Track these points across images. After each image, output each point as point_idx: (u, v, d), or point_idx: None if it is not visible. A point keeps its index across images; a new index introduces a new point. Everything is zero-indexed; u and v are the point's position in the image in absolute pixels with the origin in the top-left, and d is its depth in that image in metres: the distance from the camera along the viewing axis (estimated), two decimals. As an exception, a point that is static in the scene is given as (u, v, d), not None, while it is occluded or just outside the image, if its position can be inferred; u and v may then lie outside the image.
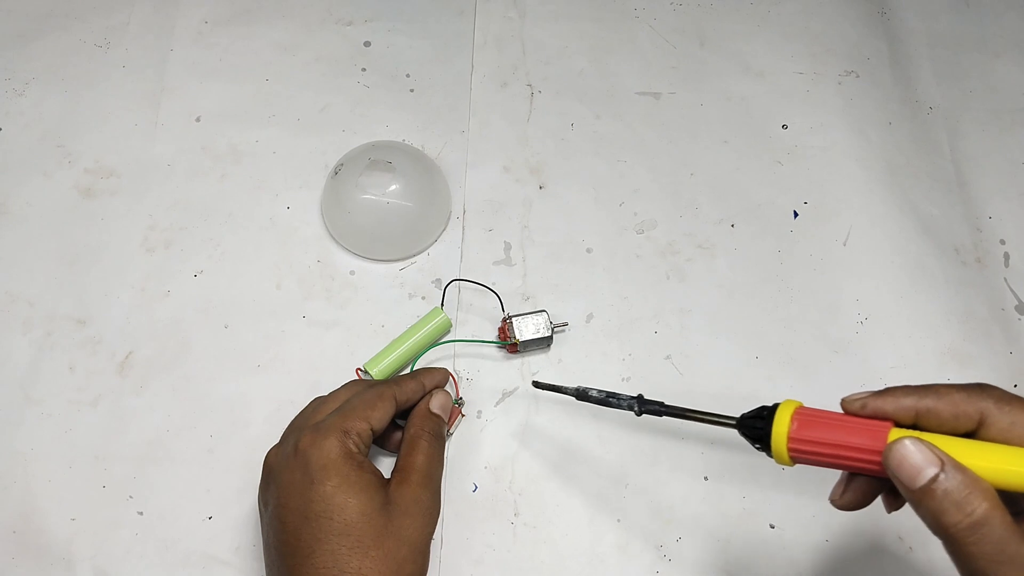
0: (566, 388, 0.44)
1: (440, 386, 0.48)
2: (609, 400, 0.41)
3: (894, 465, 0.30)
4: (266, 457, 0.42)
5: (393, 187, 0.52)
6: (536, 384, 0.46)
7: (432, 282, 0.54)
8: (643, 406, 0.40)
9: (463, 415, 0.50)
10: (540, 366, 0.52)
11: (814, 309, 0.54)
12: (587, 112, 0.60)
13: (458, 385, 0.51)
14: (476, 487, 0.49)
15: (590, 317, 0.54)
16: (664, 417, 0.40)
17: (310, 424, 0.41)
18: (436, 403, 0.46)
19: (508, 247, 0.56)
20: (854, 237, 0.56)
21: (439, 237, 0.56)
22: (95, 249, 0.55)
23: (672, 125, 0.60)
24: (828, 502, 0.35)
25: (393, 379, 0.46)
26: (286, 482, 0.39)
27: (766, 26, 0.64)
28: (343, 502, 0.38)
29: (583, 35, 0.64)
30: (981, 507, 0.28)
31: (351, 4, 0.64)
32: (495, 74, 0.62)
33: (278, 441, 0.43)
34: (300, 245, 0.55)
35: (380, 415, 0.42)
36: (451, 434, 0.50)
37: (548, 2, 0.65)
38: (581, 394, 0.43)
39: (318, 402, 0.44)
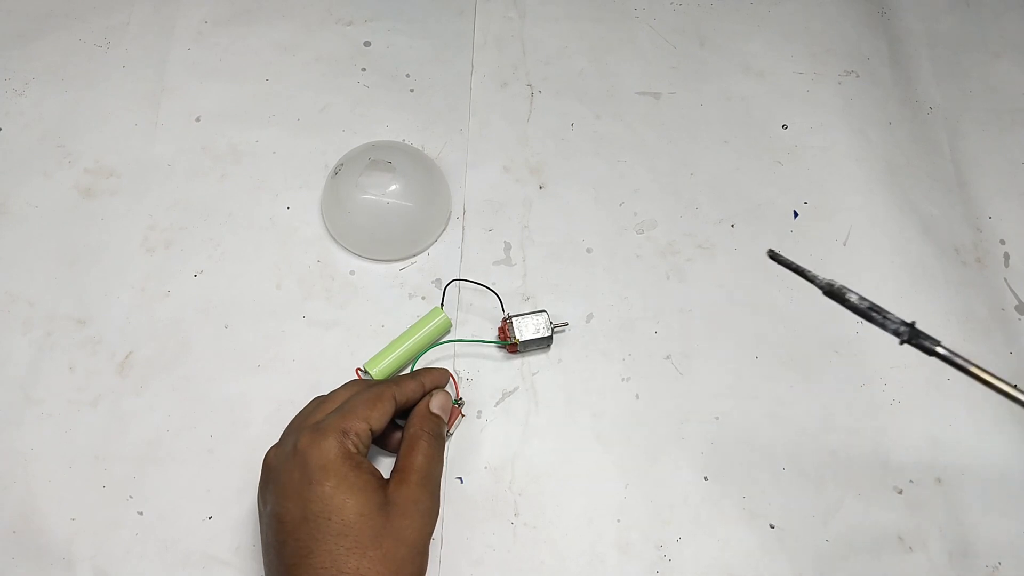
0: (816, 278, 0.35)
1: (440, 386, 0.48)
2: (871, 313, 0.33)
3: None
4: (265, 457, 0.42)
5: (393, 187, 0.52)
6: (774, 256, 0.37)
7: (432, 282, 0.54)
8: (914, 337, 0.33)
9: (463, 415, 0.50)
10: (540, 366, 0.52)
11: (814, 309, 0.54)
12: (587, 112, 0.60)
13: (458, 385, 0.51)
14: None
15: (590, 317, 0.54)
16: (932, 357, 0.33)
17: (309, 424, 0.41)
18: (436, 403, 0.46)
19: (508, 247, 0.56)
20: (854, 237, 0.56)
21: (439, 237, 0.56)
22: (95, 249, 0.55)
23: (672, 125, 0.60)
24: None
25: (393, 379, 0.46)
26: (285, 482, 0.39)
27: (766, 26, 0.64)
28: (341, 502, 0.38)
29: (583, 35, 0.64)
30: None
31: (351, 4, 0.64)
32: (495, 74, 0.62)
33: (277, 441, 0.43)
34: (300, 245, 0.55)
35: (379, 415, 0.42)
36: (451, 434, 0.50)
37: (548, 2, 0.65)
38: (834, 292, 0.34)
39: (318, 402, 0.44)
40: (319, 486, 0.38)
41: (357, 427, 0.40)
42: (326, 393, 0.45)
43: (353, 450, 0.40)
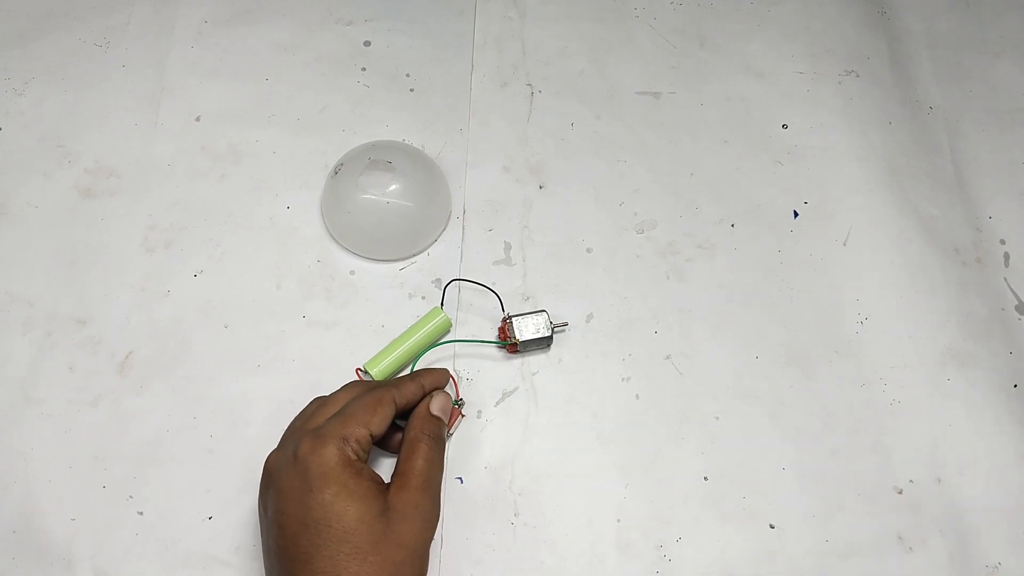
0: None
1: (440, 387, 0.48)
2: None
3: None
4: (266, 461, 0.42)
5: (393, 187, 0.52)
6: None
7: (432, 282, 0.54)
8: None
9: (463, 416, 0.50)
10: (540, 366, 0.52)
11: (814, 309, 0.54)
12: (587, 112, 0.60)
13: (458, 385, 0.51)
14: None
15: (590, 317, 0.54)
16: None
17: (309, 429, 0.41)
18: (436, 405, 0.46)
19: (508, 247, 0.56)
20: (854, 237, 0.56)
21: (439, 237, 0.56)
22: (95, 249, 0.55)
23: (672, 125, 0.60)
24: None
25: (392, 382, 0.46)
26: (285, 488, 0.39)
27: (766, 26, 0.64)
28: (342, 510, 0.38)
29: (583, 35, 0.64)
30: None
31: (351, 4, 0.64)
32: (495, 74, 0.62)
33: (278, 444, 0.43)
34: (300, 245, 0.55)
35: (380, 420, 0.42)
36: (451, 435, 0.50)
37: (548, 2, 0.65)
38: None
39: (318, 403, 0.44)
40: (320, 493, 0.38)
41: (357, 433, 0.40)
42: (326, 394, 0.45)
43: (353, 457, 0.40)
